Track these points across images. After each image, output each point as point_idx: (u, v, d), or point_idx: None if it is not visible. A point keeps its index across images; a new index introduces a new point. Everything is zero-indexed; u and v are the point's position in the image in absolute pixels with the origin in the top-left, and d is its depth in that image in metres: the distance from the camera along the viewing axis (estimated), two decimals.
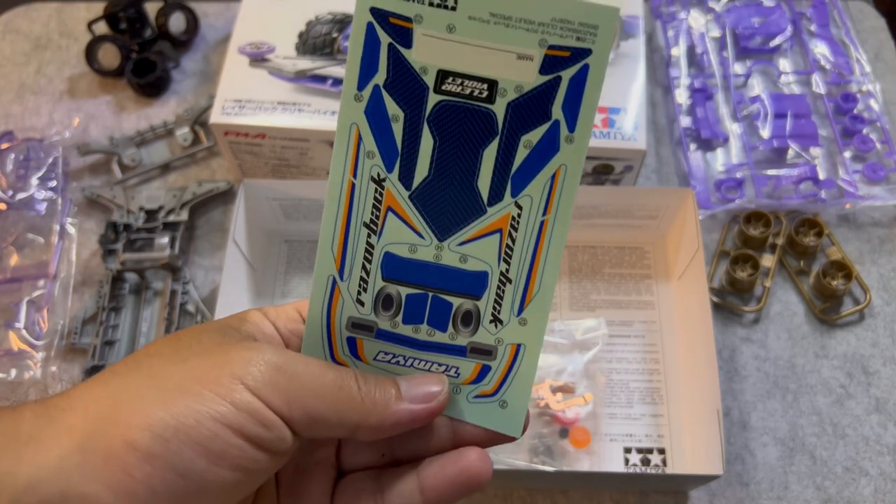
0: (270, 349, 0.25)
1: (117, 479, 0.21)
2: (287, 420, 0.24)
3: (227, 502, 0.24)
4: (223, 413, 0.23)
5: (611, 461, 0.51)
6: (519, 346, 0.29)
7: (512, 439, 0.29)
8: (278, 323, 0.29)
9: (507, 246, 0.28)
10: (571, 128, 0.26)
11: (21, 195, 0.61)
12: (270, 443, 0.24)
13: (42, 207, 0.61)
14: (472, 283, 0.28)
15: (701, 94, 0.66)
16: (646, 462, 0.52)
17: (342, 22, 0.61)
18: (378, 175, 0.27)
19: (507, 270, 0.28)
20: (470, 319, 0.29)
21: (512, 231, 0.27)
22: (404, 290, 0.28)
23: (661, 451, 0.52)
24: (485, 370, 0.29)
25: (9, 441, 0.22)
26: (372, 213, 0.28)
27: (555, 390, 0.51)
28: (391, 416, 0.26)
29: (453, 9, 0.25)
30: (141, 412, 0.22)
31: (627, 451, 0.52)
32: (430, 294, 0.28)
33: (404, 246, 0.28)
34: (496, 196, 0.27)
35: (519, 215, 0.27)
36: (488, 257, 0.28)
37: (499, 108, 0.26)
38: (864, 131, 0.64)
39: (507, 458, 0.51)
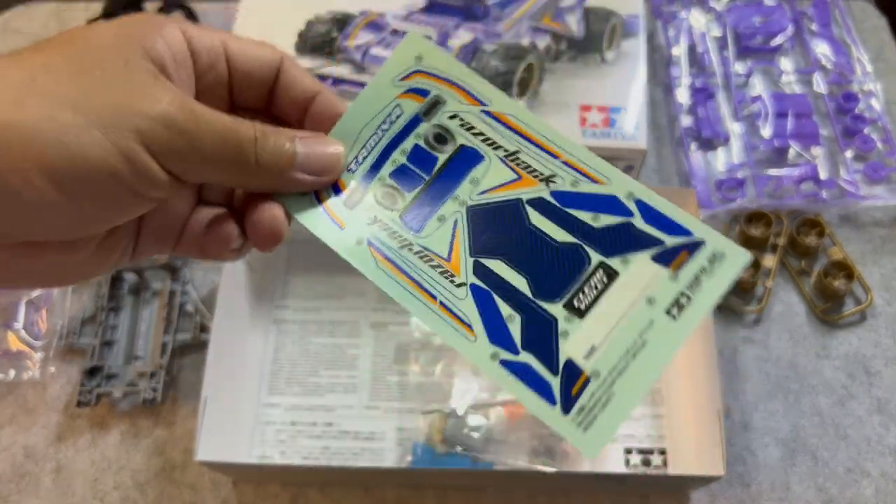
0: (176, 99, 0.24)
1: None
2: (177, 177, 0.24)
3: (77, 228, 0.24)
4: (112, 164, 0.22)
5: (611, 462, 0.51)
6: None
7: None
8: (199, 48, 0.26)
9: None
10: None
11: None
12: (149, 192, 0.24)
13: None
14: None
15: (702, 94, 0.66)
16: (646, 463, 0.51)
17: (342, 21, 0.61)
18: None
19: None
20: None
21: None
22: None
23: (662, 452, 0.52)
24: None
25: None
26: None
27: None
28: (283, 186, 0.27)
29: None
30: (33, 145, 0.21)
31: (628, 451, 0.52)
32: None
33: None
34: None
35: None
36: None
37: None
38: (866, 131, 0.64)
39: (508, 458, 0.50)
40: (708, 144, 0.64)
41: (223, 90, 0.28)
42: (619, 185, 0.28)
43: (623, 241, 0.27)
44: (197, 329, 0.56)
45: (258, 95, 0.29)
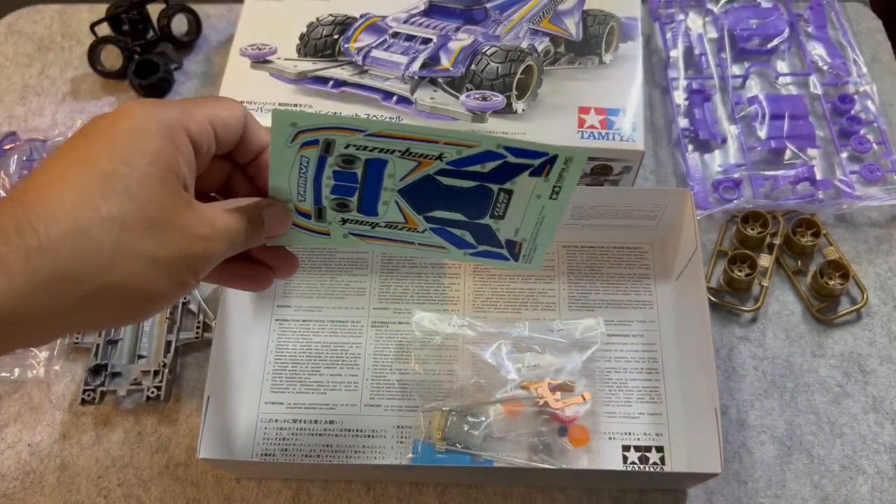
0: (212, 234, 0.32)
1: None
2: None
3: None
4: (173, 292, 0.31)
5: (609, 459, 0.52)
6: None
7: None
8: (199, 143, 0.33)
9: None
10: None
11: None
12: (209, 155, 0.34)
13: None
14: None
15: (699, 96, 0.67)
16: (644, 460, 0.52)
17: (343, 24, 0.62)
18: None
19: None
20: None
21: None
22: None
23: (660, 450, 0.52)
24: None
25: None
26: None
27: (553, 389, 0.52)
28: (265, 241, 0.38)
29: None
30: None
31: (626, 449, 0.52)
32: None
33: None
34: None
35: None
36: None
37: None
38: (861, 132, 0.64)
39: (507, 455, 0.51)
40: (705, 146, 0.65)
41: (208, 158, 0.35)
42: (487, 142, 0.38)
43: (507, 172, 0.39)
44: (200, 328, 0.57)
45: (226, 149, 0.35)
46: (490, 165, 0.40)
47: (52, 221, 0.26)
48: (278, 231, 0.37)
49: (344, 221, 0.41)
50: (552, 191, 0.41)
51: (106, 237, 0.27)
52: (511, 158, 0.39)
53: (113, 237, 0.28)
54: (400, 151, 0.38)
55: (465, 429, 0.51)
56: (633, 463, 0.52)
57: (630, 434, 0.53)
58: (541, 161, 0.40)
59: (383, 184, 0.40)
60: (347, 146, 0.37)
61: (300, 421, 0.54)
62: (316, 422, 0.54)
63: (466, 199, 0.41)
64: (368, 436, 0.53)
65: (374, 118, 0.57)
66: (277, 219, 0.37)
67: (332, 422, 0.54)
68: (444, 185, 0.40)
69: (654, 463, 0.52)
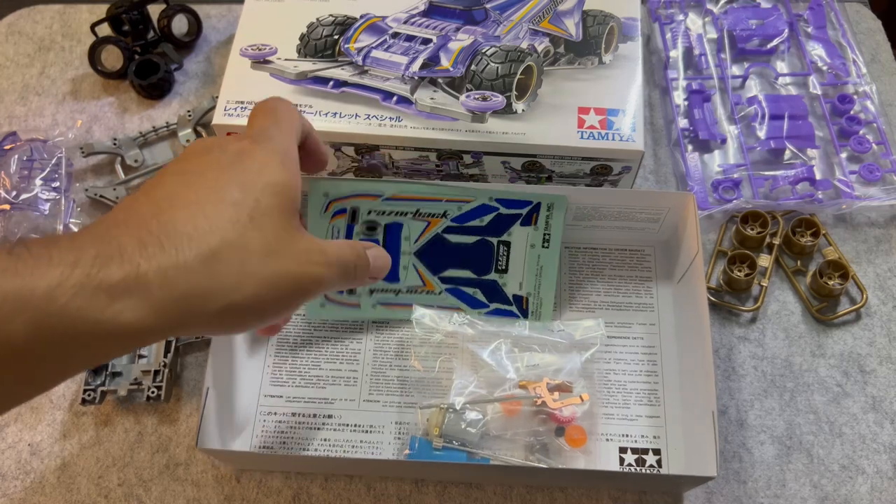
0: (324, 263, 0.34)
1: None
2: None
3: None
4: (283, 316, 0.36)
5: (606, 461, 0.52)
6: None
7: None
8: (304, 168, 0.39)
9: None
10: None
11: (25, 196, 0.62)
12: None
13: (46, 208, 0.62)
14: None
15: (698, 96, 0.67)
16: (641, 462, 0.52)
17: (343, 24, 0.62)
18: None
19: None
20: None
21: None
22: None
23: (657, 452, 0.52)
24: None
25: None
26: None
27: (552, 389, 0.52)
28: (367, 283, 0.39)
29: None
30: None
31: (623, 451, 0.52)
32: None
33: None
34: None
35: None
36: None
37: None
38: (861, 132, 0.65)
39: (503, 454, 0.51)
40: (704, 146, 0.65)
41: None
42: (481, 196, 0.44)
43: (502, 224, 0.45)
44: None
45: None
46: (487, 218, 0.46)
47: (186, 243, 0.29)
48: (381, 273, 0.39)
49: (371, 292, 0.49)
50: (543, 239, 0.47)
51: (234, 260, 0.30)
52: (503, 210, 0.46)
53: (239, 261, 0.30)
54: (412, 213, 0.45)
55: (463, 426, 0.51)
56: (630, 465, 0.52)
57: (627, 436, 0.53)
58: (528, 210, 0.46)
59: (401, 247, 0.46)
60: (370, 212, 0.44)
61: (299, 414, 0.54)
62: (315, 416, 0.54)
63: (472, 254, 0.48)
64: (366, 431, 0.53)
65: (376, 123, 0.57)
66: (382, 259, 0.39)
67: (330, 416, 0.54)
68: (452, 242, 0.47)
69: (651, 465, 0.52)
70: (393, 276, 0.47)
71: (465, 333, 0.55)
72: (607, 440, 0.53)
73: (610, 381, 0.55)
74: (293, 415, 0.54)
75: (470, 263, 0.47)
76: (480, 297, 0.49)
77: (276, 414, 0.54)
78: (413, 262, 0.46)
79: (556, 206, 0.44)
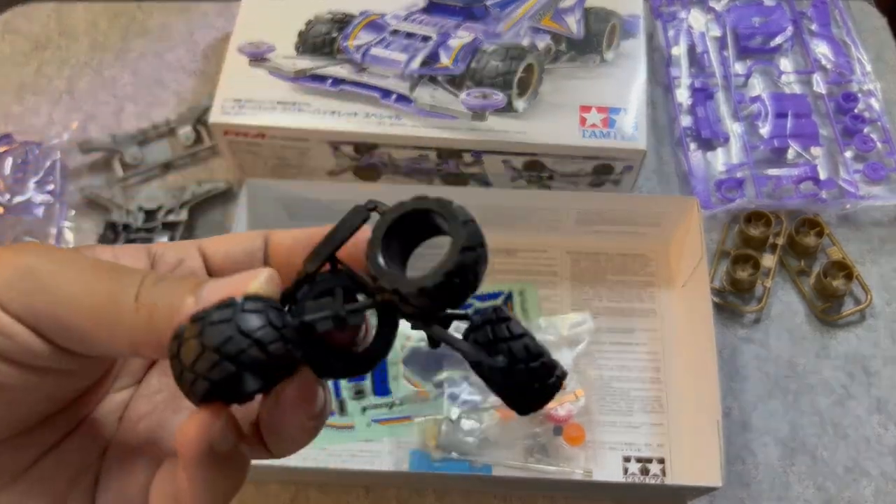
0: (34, 251, 0.21)
1: None
2: (34, 329, 0.21)
3: None
4: None
5: (610, 470, 0.51)
6: None
7: None
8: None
9: None
10: None
11: (18, 198, 0.61)
12: (16, 354, 0.20)
13: (39, 211, 0.61)
14: None
15: (701, 94, 0.66)
16: (645, 471, 0.51)
17: (342, 22, 0.61)
18: None
19: None
20: None
21: None
22: None
23: (661, 461, 0.51)
24: None
25: None
26: None
27: None
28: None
29: None
30: None
31: (626, 460, 0.51)
32: None
33: None
34: None
35: None
36: None
37: None
38: (865, 131, 0.64)
39: (504, 459, 0.50)
40: (707, 144, 0.64)
41: None
42: None
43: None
44: None
45: None
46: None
47: None
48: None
49: (364, 410, 0.48)
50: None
51: None
52: (477, 304, 0.47)
53: None
54: None
55: (460, 436, 0.50)
56: (634, 474, 0.51)
57: (631, 444, 0.52)
58: (502, 299, 0.48)
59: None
60: None
61: None
62: None
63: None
64: (365, 440, 0.53)
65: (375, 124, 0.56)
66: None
67: (329, 426, 0.53)
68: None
69: (655, 474, 0.51)
70: (383, 389, 0.47)
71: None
72: (610, 449, 0.52)
73: (613, 388, 0.54)
74: None
75: (460, 362, 0.47)
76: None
77: None
78: (403, 372, 0.47)
79: (528, 290, 0.44)
